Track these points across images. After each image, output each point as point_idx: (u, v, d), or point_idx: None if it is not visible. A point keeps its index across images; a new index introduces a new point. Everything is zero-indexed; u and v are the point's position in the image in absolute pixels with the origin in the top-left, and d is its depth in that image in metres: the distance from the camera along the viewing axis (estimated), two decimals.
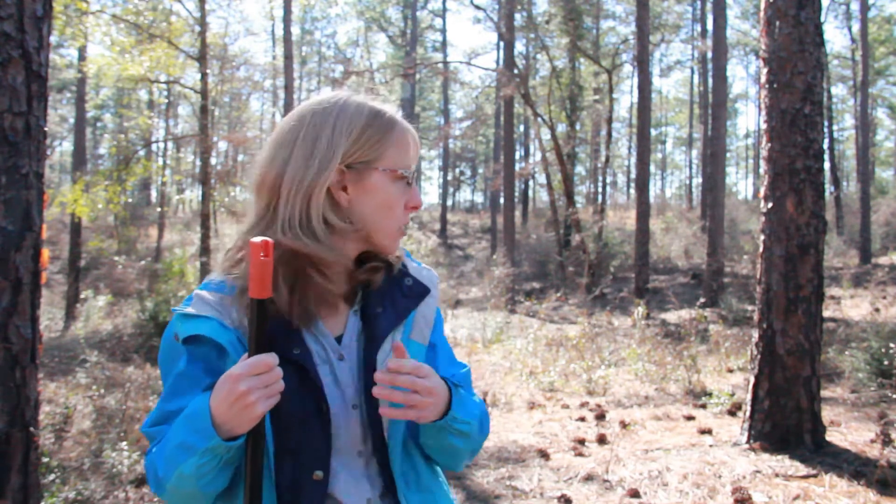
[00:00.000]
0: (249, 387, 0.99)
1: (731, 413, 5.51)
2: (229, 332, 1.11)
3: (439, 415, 1.12)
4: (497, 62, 30.25)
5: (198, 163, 12.69)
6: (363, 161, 1.17)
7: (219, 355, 1.11)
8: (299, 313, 1.13)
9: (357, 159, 1.16)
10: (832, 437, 4.49)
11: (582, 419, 5.57)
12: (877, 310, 10.00)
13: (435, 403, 1.10)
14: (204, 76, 10.95)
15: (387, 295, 1.22)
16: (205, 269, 10.55)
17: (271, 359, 1.01)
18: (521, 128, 31.86)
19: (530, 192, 34.95)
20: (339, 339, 1.19)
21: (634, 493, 3.75)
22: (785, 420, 4.34)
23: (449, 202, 41.81)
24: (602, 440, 4.87)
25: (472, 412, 1.19)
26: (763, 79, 4.66)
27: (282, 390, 1.03)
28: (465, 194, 50.30)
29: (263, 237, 1.02)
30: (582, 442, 4.87)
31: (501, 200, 21.40)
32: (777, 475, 3.88)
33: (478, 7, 23.39)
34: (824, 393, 5.47)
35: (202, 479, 1.06)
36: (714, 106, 14.63)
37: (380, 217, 1.18)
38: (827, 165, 12.65)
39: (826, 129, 19.61)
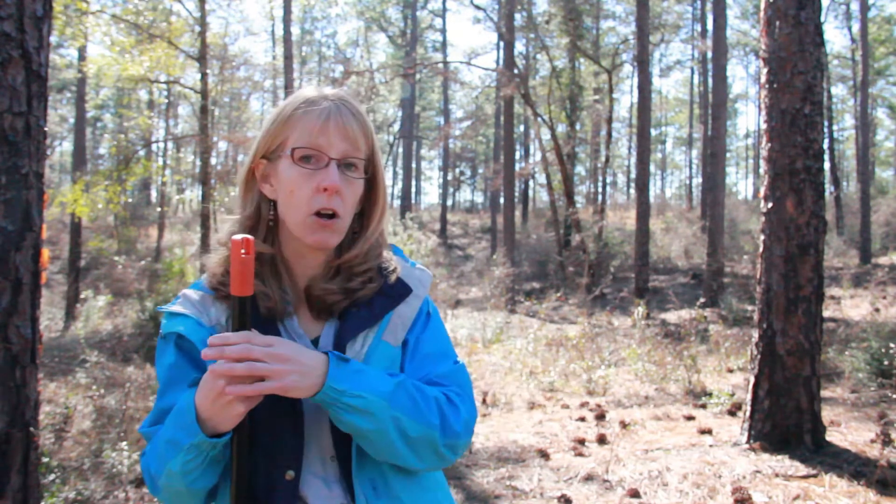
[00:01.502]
0: (206, 355, 1.00)
1: (731, 413, 5.51)
2: (203, 331, 1.12)
3: (314, 386, 1.03)
4: (497, 62, 30.26)
5: (198, 163, 12.68)
6: (273, 150, 1.16)
7: (197, 350, 1.12)
8: (268, 304, 1.15)
9: (269, 149, 1.16)
10: (832, 437, 4.49)
11: (582, 419, 5.57)
12: (877, 310, 10.00)
13: (299, 372, 1.01)
14: (204, 76, 10.95)
15: (366, 295, 1.20)
16: (205, 270, 10.55)
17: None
18: (521, 128, 31.86)
19: (530, 192, 34.96)
20: (317, 342, 1.17)
21: (634, 493, 3.75)
22: (785, 420, 4.34)
23: (449, 202, 41.82)
24: (602, 440, 4.87)
25: (374, 387, 1.06)
26: (763, 79, 4.66)
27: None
28: (465, 194, 50.32)
29: (245, 235, 1.02)
30: (582, 442, 4.87)
31: (501, 200, 21.40)
32: (777, 475, 3.88)
33: (478, 7, 23.39)
34: (824, 393, 5.47)
35: (188, 476, 1.06)
36: (714, 106, 14.63)
37: (285, 203, 1.15)
38: (827, 165, 12.65)
39: (826, 129, 19.60)
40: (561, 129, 20.46)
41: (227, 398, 1.00)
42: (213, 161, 12.34)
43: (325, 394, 1.04)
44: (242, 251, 1.00)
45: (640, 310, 9.35)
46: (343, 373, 1.05)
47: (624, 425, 5.26)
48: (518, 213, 26.12)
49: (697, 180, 37.31)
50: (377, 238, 1.24)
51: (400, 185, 38.71)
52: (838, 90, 31.26)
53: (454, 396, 1.18)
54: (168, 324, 1.16)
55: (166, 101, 27.82)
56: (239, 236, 1.01)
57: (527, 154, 34.75)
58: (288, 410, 1.10)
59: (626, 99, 43.82)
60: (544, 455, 4.56)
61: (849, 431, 4.71)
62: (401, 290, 1.21)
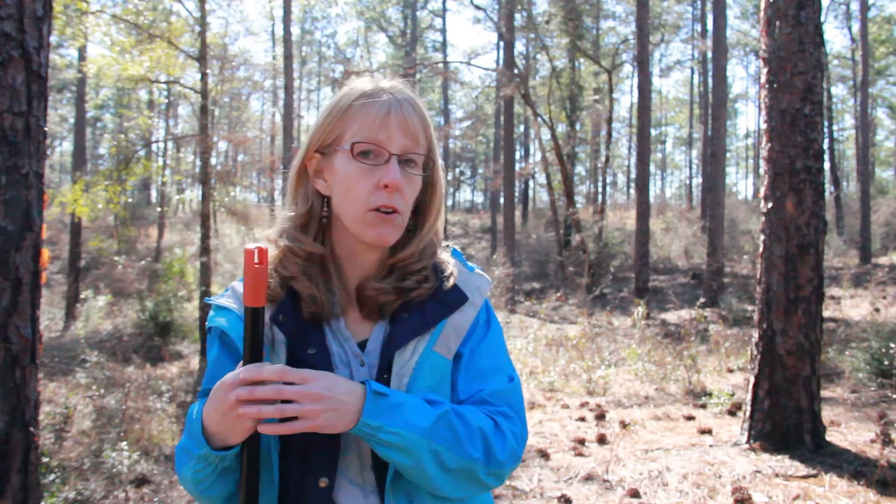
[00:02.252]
0: (240, 396, 0.95)
1: (731, 413, 5.51)
2: (242, 327, 1.07)
3: (350, 423, 0.99)
4: (497, 62, 30.26)
5: (198, 163, 12.68)
6: (328, 143, 1.11)
7: (239, 348, 1.09)
8: (305, 308, 1.10)
9: (323, 143, 1.11)
10: (832, 437, 4.49)
11: (582, 419, 5.57)
12: (877, 310, 10.00)
13: (333, 410, 0.97)
14: (204, 76, 10.94)
15: (420, 301, 1.13)
16: (205, 269, 10.55)
17: (263, 369, 0.97)
18: (521, 128, 31.87)
19: (530, 192, 34.96)
20: (364, 345, 1.12)
21: (634, 493, 3.75)
22: (785, 420, 4.34)
23: (449, 202, 41.82)
24: (602, 440, 4.87)
25: (413, 422, 1.01)
26: (763, 79, 4.66)
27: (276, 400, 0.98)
28: (465, 194, 50.32)
29: (258, 244, 0.99)
30: (582, 442, 4.87)
31: (501, 200, 21.40)
32: (777, 475, 3.88)
33: (478, 7, 23.38)
34: (824, 393, 5.47)
35: (200, 485, 1.05)
36: (714, 106, 14.63)
37: (341, 199, 1.10)
38: (827, 165, 12.65)
39: (826, 129, 19.60)
40: (561, 129, 20.47)
41: (235, 413, 0.95)
42: (213, 161, 12.34)
43: (359, 429, 1.00)
44: (256, 261, 0.97)
45: (640, 310, 9.35)
46: (379, 408, 1.00)
47: (624, 425, 5.26)
48: (518, 213, 26.12)
49: (697, 180, 37.35)
50: (432, 237, 1.19)
51: None
52: (838, 90, 31.29)
53: (503, 422, 1.12)
54: (213, 316, 1.14)
55: (166, 101, 27.82)
56: (252, 245, 0.98)
57: (527, 154, 34.78)
58: None
59: (626, 99, 43.87)
60: (544, 455, 4.56)
61: (849, 431, 4.71)
62: (456, 298, 1.14)
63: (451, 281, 1.16)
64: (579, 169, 28.02)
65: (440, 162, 1.20)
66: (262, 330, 1.00)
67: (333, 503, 1.07)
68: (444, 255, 1.21)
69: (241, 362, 1.00)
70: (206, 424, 1.01)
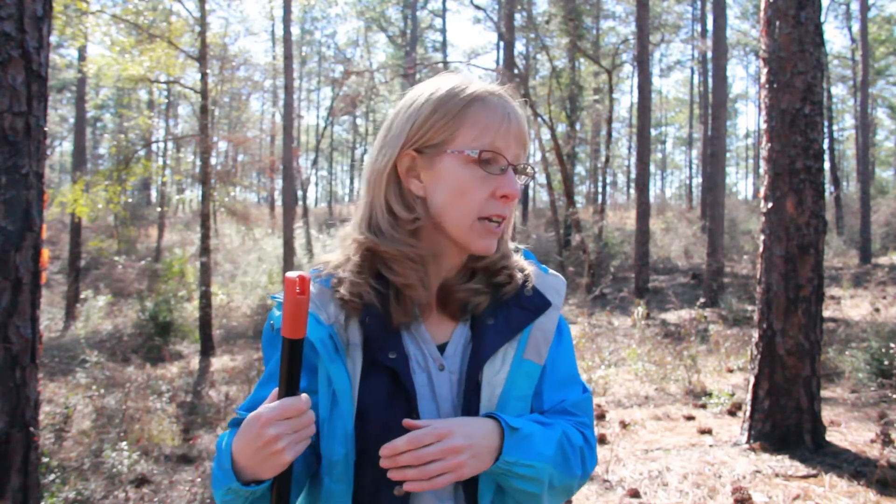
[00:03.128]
0: (279, 432, 0.91)
1: (731, 413, 5.51)
2: (322, 329, 1.04)
3: (488, 465, 1.00)
4: (497, 62, 30.27)
5: (198, 163, 12.68)
6: (433, 144, 1.06)
7: (311, 349, 1.05)
8: (396, 312, 1.06)
9: (426, 142, 1.06)
10: (832, 437, 4.49)
11: None
12: (877, 310, 10.00)
13: (475, 455, 0.98)
14: (204, 76, 10.95)
15: (502, 304, 1.10)
16: (205, 269, 10.55)
17: (302, 403, 0.93)
18: None
19: (530, 192, 34.96)
20: (443, 349, 1.09)
21: (634, 493, 3.75)
22: (785, 420, 4.34)
23: None
24: (602, 440, 4.87)
25: (542, 452, 1.03)
26: (763, 79, 4.66)
27: (312, 435, 0.95)
28: None
29: (300, 272, 0.94)
30: None
31: None
32: (777, 475, 3.88)
33: (478, 7, 23.36)
34: (824, 393, 5.47)
35: None
36: (714, 106, 14.63)
37: (449, 205, 1.05)
38: (827, 165, 12.65)
39: (826, 129, 19.61)
40: (561, 129, 20.48)
41: (272, 448, 0.92)
42: (213, 161, 12.34)
43: (497, 467, 1.00)
44: (297, 290, 0.93)
45: (640, 310, 9.35)
46: (514, 443, 1.01)
47: (624, 425, 5.26)
48: (518, 213, 26.12)
49: (697, 180, 37.36)
50: (508, 239, 1.17)
51: None
52: (838, 90, 31.30)
53: (589, 435, 1.14)
54: (277, 318, 1.07)
55: (166, 101, 27.84)
56: (294, 274, 0.93)
57: None
58: (400, 428, 1.02)
59: (626, 99, 43.90)
60: None
61: (849, 431, 4.71)
62: (539, 303, 1.13)
63: (531, 283, 1.14)
64: (579, 169, 28.03)
65: None
66: (301, 362, 0.96)
67: None
68: (518, 258, 1.19)
69: (276, 391, 0.96)
70: (237, 458, 0.96)
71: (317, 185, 49.07)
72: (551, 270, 1.20)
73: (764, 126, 4.66)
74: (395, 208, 1.07)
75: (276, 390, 0.95)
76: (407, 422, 0.99)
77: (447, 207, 1.06)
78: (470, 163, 1.04)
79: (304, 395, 0.94)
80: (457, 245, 1.08)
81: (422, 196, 1.08)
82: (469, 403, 1.06)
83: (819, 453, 4.20)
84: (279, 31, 30.28)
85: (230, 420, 1.08)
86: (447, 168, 1.05)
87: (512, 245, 1.20)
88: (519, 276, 1.14)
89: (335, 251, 1.13)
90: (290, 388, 0.94)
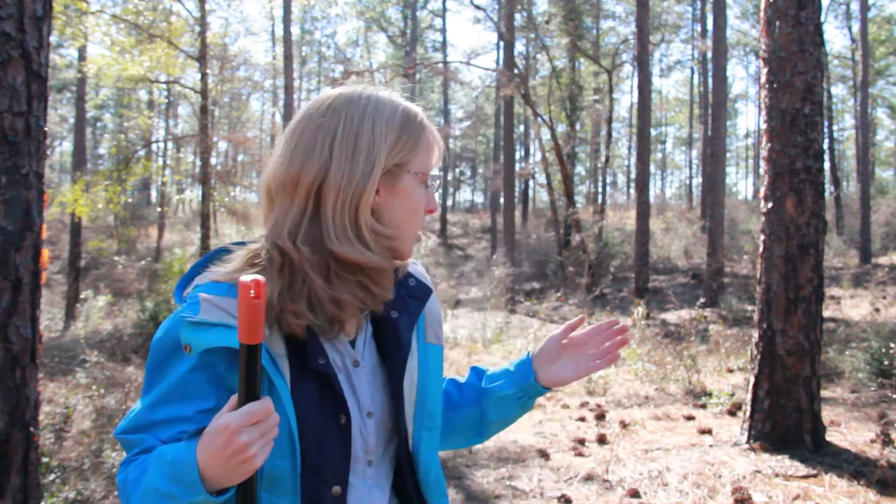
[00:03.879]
0: (250, 439, 0.90)
1: (731, 413, 5.51)
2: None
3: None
4: (497, 62, 30.25)
5: (198, 163, 12.68)
6: (397, 164, 1.11)
7: (228, 365, 1.02)
8: (327, 322, 1.06)
9: (393, 162, 1.11)
10: (832, 437, 4.49)
11: (582, 419, 5.57)
12: (877, 310, 10.00)
13: None
14: (204, 76, 10.95)
15: (396, 297, 1.16)
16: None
17: (269, 404, 0.92)
18: (521, 128, 31.88)
19: (530, 192, 34.96)
20: (352, 344, 1.13)
21: (634, 493, 3.75)
22: (785, 420, 4.34)
23: (449, 202, 41.84)
24: (602, 440, 4.87)
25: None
26: (763, 79, 4.66)
27: (276, 435, 0.94)
28: (465, 194, 50.34)
29: (254, 276, 0.91)
30: (582, 442, 4.87)
31: (501, 200, 21.40)
32: (777, 475, 3.88)
33: (478, 7, 23.39)
34: (824, 393, 5.47)
35: None
36: (714, 106, 14.63)
37: (404, 221, 1.13)
38: (827, 165, 12.65)
39: (826, 129, 19.60)
40: (561, 129, 20.47)
41: (244, 456, 0.90)
42: (213, 161, 12.34)
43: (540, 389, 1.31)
44: (252, 294, 0.90)
45: (640, 310, 9.35)
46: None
47: (624, 425, 5.26)
48: (518, 213, 26.11)
49: (697, 180, 37.37)
50: None
51: None
52: (838, 90, 31.29)
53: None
54: (202, 336, 1.01)
55: (166, 101, 27.84)
56: (248, 278, 0.90)
57: (527, 154, 34.78)
58: (335, 424, 1.05)
59: (626, 99, 43.85)
60: (544, 455, 4.56)
61: (849, 431, 4.71)
62: (424, 290, 1.22)
63: (413, 274, 1.23)
64: (579, 169, 28.03)
65: None
66: (259, 367, 0.94)
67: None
68: None
69: (233, 401, 0.93)
70: (204, 470, 0.92)
71: None
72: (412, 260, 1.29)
73: (764, 126, 4.66)
74: (374, 224, 1.09)
75: (234, 397, 0.92)
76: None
77: (403, 223, 1.12)
78: (421, 183, 1.14)
79: (266, 398, 0.92)
80: (396, 256, 1.15)
81: (376, 211, 1.11)
82: (385, 393, 1.12)
83: (819, 453, 4.20)
84: (279, 31, 30.26)
85: (120, 435, 1.03)
86: (407, 187, 1.12)
87: None
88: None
89: (232, 263, 1.09)
90: (250, 393, 0.92)
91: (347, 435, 1.06)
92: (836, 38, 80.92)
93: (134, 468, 1.00)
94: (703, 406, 5.79)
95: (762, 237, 4.62)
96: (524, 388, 1.31)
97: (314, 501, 1.04)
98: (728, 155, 30.62)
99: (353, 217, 1.07)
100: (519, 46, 22.84)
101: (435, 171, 1.17)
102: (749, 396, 4.53)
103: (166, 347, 1.04)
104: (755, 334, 4.59)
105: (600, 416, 5.59)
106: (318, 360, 1.05)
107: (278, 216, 1.07)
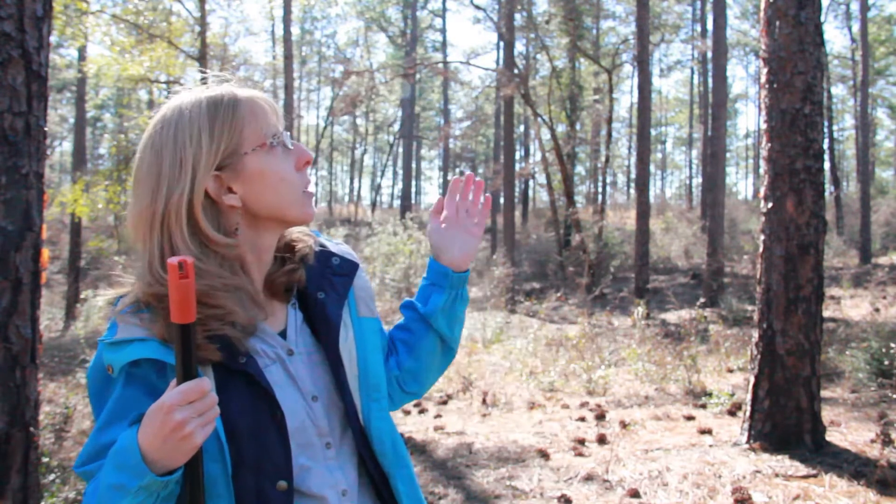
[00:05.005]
0: (185, 416, 0.91)
1: (731, 413, 5.51)
2: (168, 351, 1.01)
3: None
4: (497, 62, 30.25)
5: None
6: (229, 155, 1.07)
7: (159, 375, 1.03)
8: (240, 323, 1.05)
9: (223, 158, 1.07)
10: (832, 437, 4.49)
11: (582, 419, 5.57)
12: (877, 310, 10.00)
13: None
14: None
15: (322, 278, 1.18)
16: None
17: (204, 384, 0.92)
18: (521, 128, 31.87)
19: (530, 192, 34.96)
20: (283, 335, 1.13)
21: (634, 493, 3.75)
22: (785, 420, 4.34)
23: None
24: (602, 440, 4.87)
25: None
26: (763, 79, 4.66)
27: (217, 415, 0.95)
28: None
29: (182, 257, 0.91)
30: (582, 442, 4.87)
31: (501, 200, 21.40)
32: (777, 475, 3.88)
33: (478, 7, 23.39)
34: (824, 393, 5.47)
35: None
36: (714, 106, 14.63)
37: (275, 194, 1.09)
38: (827, 165, 12.65)
39: (826, 129, 19.61)
40: (561, 129, 20.47)
41: (181, 434, 0.91)
42: None
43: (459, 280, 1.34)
44: (181, 273, 0.90)
45: (640, 310, 9.35)
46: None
47: (624, 425, 5.26)
48: (518, 213, 26.12)
49: (697, 180, 37.37)
50: None
51: (400, 185, 38.74)
52: (838, 90, 31.29)
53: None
54: (122, 353, 1.01)
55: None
56: (174, 259, 0.90)
57: (527, 154, 34.77)
58: (269, 421, 1.05)
59: (626, 99, 43.85)
60: (544, 455, 4.56)
61: (849, 431, 4.71)
62: (349, 266, 1.23)
63: (334, 251, 1.23)
64: (579, 169, 28.01)
65: None
66: (193, 346, 0.94)
67: (302, 493, 1.08)
68: (304, 230, 1.26)
69: (174, 382, 0.94)
70: (146, 452, 0.93)
71: (317, 184, 48.96)
72: (337, 240, 1.30)
73: (764, 126, 4.66)
74: (211, 235, 1.05)
75: (174, 381, 0.94)
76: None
77: (275, 198, 1.09)
78: (271, 150, 1.09)
79: (203, 378, 0.94)
80: (283, 226, 1.13)
81: (239, 206, 1.09)
82: (336, 374, 1.13)
83: (819, 453, 4.20)
84: (279, 31, 30.27)
85: (104, 427, 1.03)
86: (256, 166, 1.08)
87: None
88: (311, 240, 1.22)
89: (132, 289, 1.08)
90: (186, 373, 0.93)
91: (284, 431, 1.06)
92: (836, 38, 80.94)
93: (91, 485, 1.01)
94: (703, 406, 5.79)
95: (762, 237, 4.62)
96: (449, 283, 1.34)
97: (260, 496, 1.04)
98: (728, 155, 30.63)
99: (154, 245, 1.05)
100: (519, 46, 22.85)
101: (279, 128, 1.11)
102: (749, 396, 4.53)
103: (99, 375, 1.05)
104: (755, 334, 4.59)
105: (600, 416, 5.59)
106: (239, 360, 1.05)
107: (148, 254, 1.06)
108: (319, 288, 1.17)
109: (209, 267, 1.04)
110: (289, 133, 1.13)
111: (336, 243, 1.27)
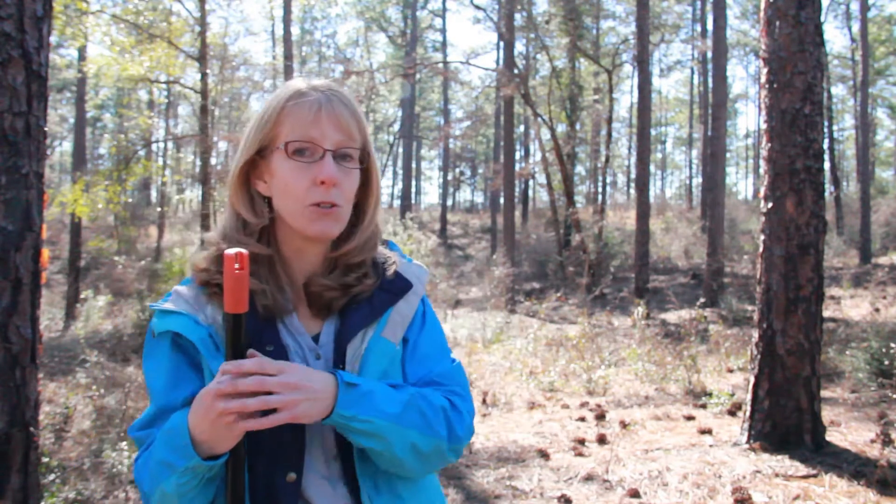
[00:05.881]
0: (227, 406, 0.95)
1: (731, 413, 5.51)
2: (201, 329, 1.08)
3: (325, 411, 1.03)
4: (497, 62, 30.25)
5: (198, 163, 12.69)
6: (266, 145, 1.12)
7: (196, 352, 1.09)
8: (265, 302, 1.11)
9: (262, 145, 1.12)
10: (832, 437, 4.49)
11: (582, 419, 5.57)
12: (877, 310, 9.99)
13: (310, 399, 1.00)
14: (204, 76, 10.94)
15: (372, 289, 1.18)
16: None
17: (243, 366, 0.97)
18: (521, 128, 31.86)
19: (530, 192, 34.95)
20: (317, 339, 1.15)
21: (634, 493, 3.75)
22: (785, 420, 4.34)
23: (449, 202, 41.81)
24: (602, 440, 4.87)
25: (383, 409, 1.06)
26: (763, 79, 4.66)
27: (263, 406, 0.98)
28: (465, 194, 50.31)
29: (238, 249, 0.97)
30: (582, 442, 4.87)
31: (501, 200, 21.40)
32: (777, 475, 3.88)
33: (478, 7, 23.39)
34: (824, 393, 5.47)
35: (184, 498, 1.03)
36: (714, 106, 14.63)
37: (281, 199, 1.12)
38: (827, 165, 12.65)
39: (826, 129, 19.59)
40: (561, 129, 20.46)
41: (227, 420, 0.96)
42: (213, 161, 12.34)
43: (333, 419, 1.04)
44: (236, 266, 0.95)
45: (640, 310, 9.35)
46: (351, 398, 1.04)
47: (624, 425, 5.26)
48: (518, 213, 26.11)
49: (697, 180, 37.34)
50: (373, 230, 1.22)
51: (400, 185, 38.71)
52: (838, 90, 31.28)
53: (457, 400, 1.18)
54: (161, 322, 1.10)
55: (166, 101, 27.83)
56: (232, 251, 0.96)
57: (527, 154, 34.77)
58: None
59: (626, 99, 43.88)
60: (544, 455, 4.56)
61: (849, 431, 4.71)
62: (400, 286, 1.19)
63: (393, 269, 1.20)
64: (579, 169, 28.00)
65: (375, 156, 1.22)
66: (244, 337, 0.99)
67: (303, 497, 1.09)
68: (383, 249, 1.25)
69: (223, 367, 0.99)
70: (194, 434, 0.99)
71: None
72: (415, 261, 1.27)
73: (764, 126, 4.66)
74: (243, 213, 1.14)
75: (223, 365, 0.98)
76: (251, 351, 1.02)
77: (281, 201, 1.12)
78: (288, 156, 1.09)
79: (244, 360, 0.99)
80: (298, 232, 1.14)
81: (269, 196, 1.14)
82: None
83: (819, 453, 4.20)
84: (279, 31, 30.28)
85: (159, 404, 1.10)
86: (277, 165, 1.11)
87: (385, 237, 1.28)
88: (374, 274, 1.19)
89: (205, 258, 1.16)
90: (236, 360, 0.98)
91: (301, 424, 1.08)
92: (836, 38, 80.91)
93: (144, 451, 1.09)
94: (703, 406, 5.79)
95: (762, 237, 4.62)
96: None
97: (269, 486, 1.08)
98: (728, 155, 30.61)
99: (226, 208, 1.17)
100: (519, 46, 22.85)
101: (314, 137, 1.09)
102: (749, 396, 4.53)
103: (147, 338, 1.15)
104: (755, 334, 4.59)
105: (600, 416, 5.58)
106: (266, 346, 1.09)
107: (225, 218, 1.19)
108: (357, 301, 1.16)
109: (244, 239, 1.12)
110: (329, 151, 1.09)
111: (409, 262, 1.25)
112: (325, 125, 1.09)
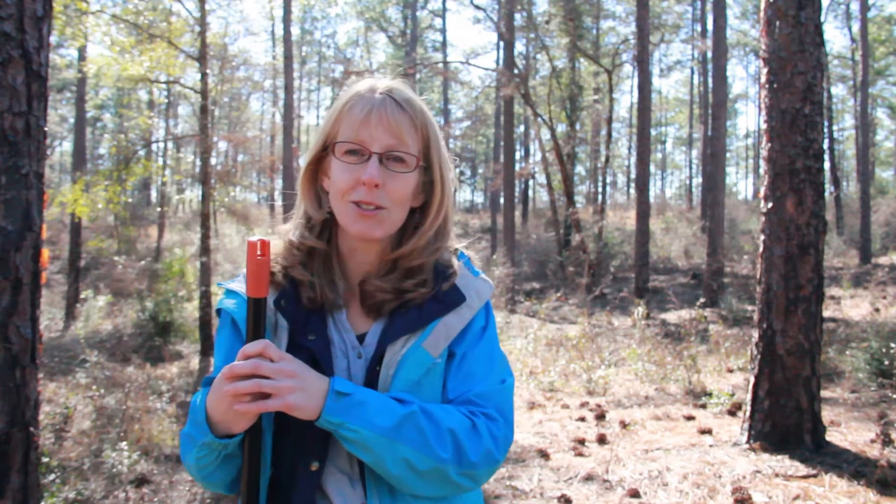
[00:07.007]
0: (236, 388, 0.99)
1: (731, 413, 5.51)
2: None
3: (316, 409, 1.01)
4: (497, 62, 30.25)
5: (198, 163, 12.68)
6: (328, 143, 1.16)
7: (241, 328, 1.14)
8: (311, 294, 1.15)
9: (326, 142, 1.17)
10: (832, 437, 4.49)
11: (582, 419, 5.57)
12: (877, 310, 9.99)
13: (303, 390, 1.00)
14: (204, 76, 10.94)
15: (427, 296, 1.17)
16: (205, 269, 10.54)
17: (250, 349, 1.01)
18: (521, 128, 31.86)
19: (530, 192, 34.94)
20: (363, 338, 1.16)
21: (634, 493, 3.75)
22: (785, 420, 4.34)
23: None
24: (602, 440, 4.87)
25: (373, 421, 1.02)
26: (763, 79, 4.66)
27: (279, 392, 1.00)
28: (464, 194, 50.27)
29: (261, 237, 1.03)
30: (582, 442, 4.87)
31: (501, 200, 21.40)
32: (777, 475, 3.88)
33: (478, 7, 23.38)
34: (824, 393, 5.47)
35: (203, 471, 1.08)
36: (714, 106, 14.62)
37: (332, 197, 1.15)
38: (827, 165, 12.65)
39: (826, 129, 19.59)
40: (561, 129, 20.45)
41: (228, 401, 1.00)
42: (213, 161, 12.33)
43: (322, 423, 1.03)
44: (258, 253, 1.01)
45: (640, 310, 9.34)
46: (340, 406, 1.02)
47: (624, 425, 5.26)
48: (518, 213, 26.10)
49: (697, 180, 37.36)
50: (435, 235, 1.20)
51: None
52: (838, 90, 31.28)
53: (483, 423, 1.12)
54: (221, 300, 1.17)
55: (166, 101, 27.81)
56: (255, 238, 1.02)
57: (527, 154, 34.77)
58: None
59: (626, 99, 43.89)
60: (544, 455, 4.56)
61: (849, 431, 4.71)
62: (454, 298, 1.16)
63: (452, 280, 1.17)
64: (579, 169, 28.00)
65: (447, 161, 1.22)
66: (264, 320, 1.04)
67: (321, 487, 1.11)
68: (449, 256, 1.22)
69: (242, 351, 1.02)
70: (210, 413, 1.04)
71: None
72: (483, 275, 1.24)
73: (764, 126, 4.66)
74: (307, 206, 1.19)
75: (242, 349, 1.02)
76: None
77: (332, 199, 1.15)
78: (343, 155, 1.13)
79: (254, 343, 1.02)
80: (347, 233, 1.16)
81: (327, 190, 1.18)
82: (370, 382, 1.12)
83: (819, 453, 4.20)
84: (279, 31, 30.26)
85: (203, 379, 1.13)
86: (332, 163, 1.15)
87: (456, 246, 1.27)
88: (433, 281, 1.17)
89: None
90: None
91: None
92: (836, 38, 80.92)
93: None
94: (703, 406, 5.79)
95: (762, 237, 4.62)
96: None
97: (292, 470, 1.10)
98: (728, 155, 30.62)
99: (303, 208, 1.21)
100: (519, 46, 22.85)
101: (362, 139, 1.11)
102: (749, 396, 4.53)
103: (218, 316, 1.21)
104: (755, 334, 4.59)
105: (600, 416, 5.58)
106: (309, 336, 1.12)
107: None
108: (407, 305, 1.15)
109: (302, 230, 1.18)
110: (376, 154, 1.10)
111: (475, 275, 1.22)
112: (375, 128, 1.11)
